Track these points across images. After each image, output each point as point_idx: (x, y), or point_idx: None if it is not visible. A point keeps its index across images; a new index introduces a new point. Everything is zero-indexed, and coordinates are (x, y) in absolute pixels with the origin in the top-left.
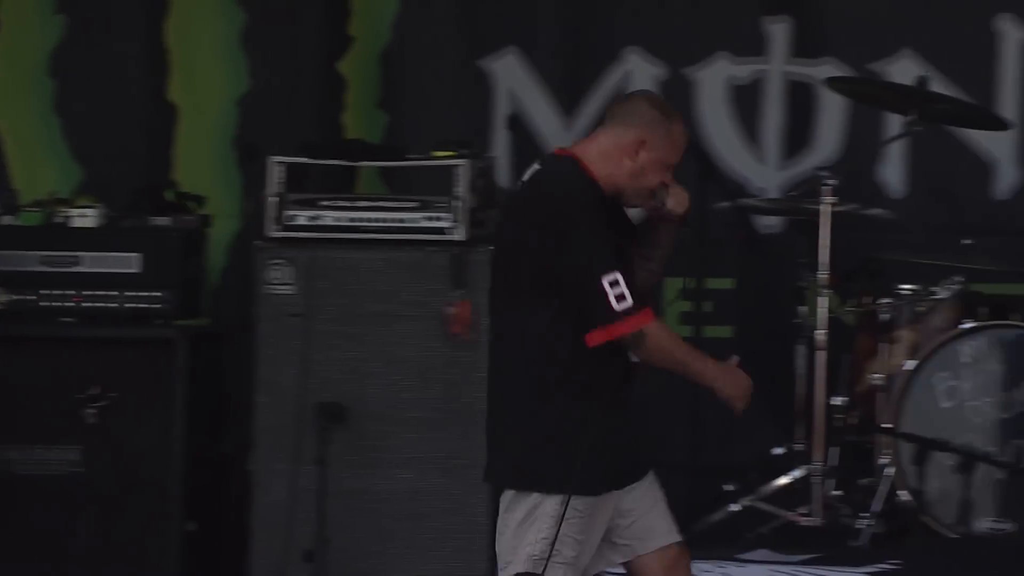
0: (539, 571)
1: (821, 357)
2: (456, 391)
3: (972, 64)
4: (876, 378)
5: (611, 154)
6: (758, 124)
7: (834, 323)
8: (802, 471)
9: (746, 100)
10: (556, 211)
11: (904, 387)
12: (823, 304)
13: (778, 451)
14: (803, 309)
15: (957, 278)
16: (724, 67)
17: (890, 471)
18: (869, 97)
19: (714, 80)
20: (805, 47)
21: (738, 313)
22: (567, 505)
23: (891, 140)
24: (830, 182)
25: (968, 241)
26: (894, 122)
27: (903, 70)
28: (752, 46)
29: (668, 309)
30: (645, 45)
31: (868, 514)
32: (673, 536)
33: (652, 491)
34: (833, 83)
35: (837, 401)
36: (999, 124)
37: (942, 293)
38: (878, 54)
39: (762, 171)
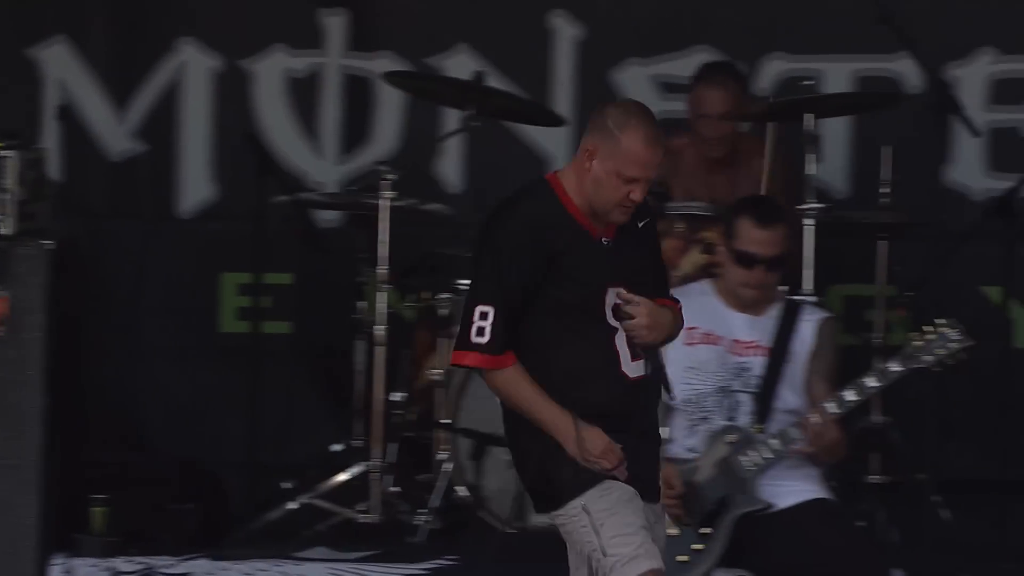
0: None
1: (380, 353)
2: (3, 390)
3: (527, 60)
4: (435, 374)
5: (576, 167)
6: (316, 118)
7: (393, 319)
8: (360, 468)
9: (304, 93)
10: (479, 234)
11: (462, 383)
12: (382, 300)
13: (336, 448)
14: (362, 305)
15: None
16: (281, 59)
17: (448, 467)
18: (426, 92)
19: (270, 72)
20: (362, 40)
21: (297, 308)
22: (587, 510)
23: (448, 135)
24: (389, 177)
25: None
26: (451, 117)
27: (459, 65)
28: (308, 39)
29: (224, 307)
30: (200, 36)
31: (426, 510)
32: None
33: (661, 531)
34: (390, 77)
35: (396, 397)
36: (554, 120)
37: None
38: (434, 49)
39: (320, 165)
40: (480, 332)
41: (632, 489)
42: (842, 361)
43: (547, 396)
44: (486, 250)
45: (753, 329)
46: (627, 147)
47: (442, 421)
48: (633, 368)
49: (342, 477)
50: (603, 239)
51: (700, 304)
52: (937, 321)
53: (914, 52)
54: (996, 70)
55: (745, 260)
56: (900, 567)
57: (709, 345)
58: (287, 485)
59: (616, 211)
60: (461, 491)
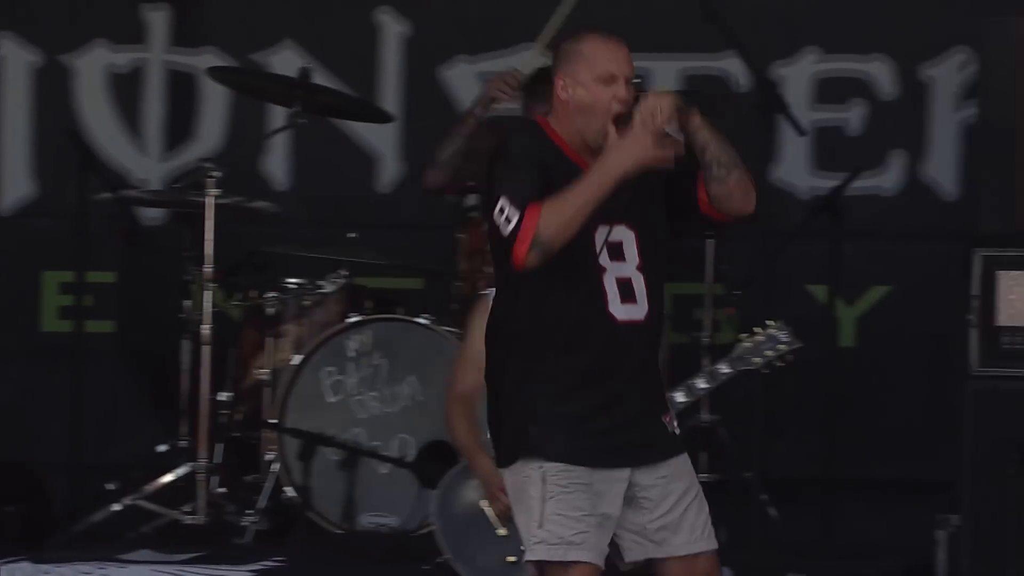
0: (541, 557)
1: (206, 352)
2: None
3: (354, 56)
4: (262, 373)
5: (557, 110)
6: (139, 114)
7: (219, 318)
8: (186, 468)
9: (126, 89)
10: (487, 169)
11: (290, 382)
12: (208, 298)
13: (162, 448)
14: (188, 303)
15: (342, 272)
16: (102, 55)
17: (276, 467)
18: (251, 88)
19: (92, 68)
20: (185, 36)
21: (120, 307)
22: (544, 478)
23: (274, 132)
24: (214, 174)
25: (352, 234)
26: (277, 114)
27: (285, 61)
28: (131, 33)
29: (45, 305)
30: (19, 30)
31: (253, 511)
32: (696, 545)
33: (679, 487)
34: (214, 73)
35: (222, 397)
36: (382, 117)
37: (328, 287)
38: (260, 44)
39: (144, 162)
40: (507, 221)
41: (605, 475)
42: (671, 360)
43: None
44: (493, 170)
45: None
46: (591, 50)
47: (269, 421)
48: (623, 311)
49: (167, 478)
50: None
51: None
52: (767, 323)
53: (740, 51)
54: (820, 69)
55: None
56: (728, 566)
57: None
58: (111, 486)
59: (614, 112)
60: (289, 492)
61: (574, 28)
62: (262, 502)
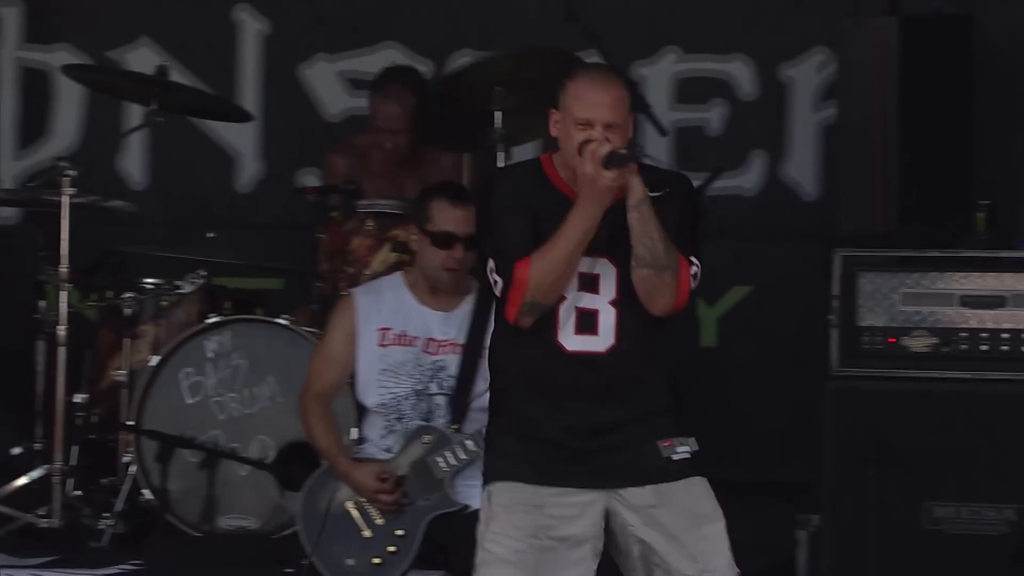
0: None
1: (62, 353)
2: None
3: (212, 54)
4: (119, 374)
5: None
6: None
7: (75, 318)
8: (41, 471)
9: None
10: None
11: (147, 383)
12: (63, 299)
13: (16, 451)
14: (43, 304)
15: (201, 272)
16: None
17: (133, 469)
18: (107, 85)
19: None
20: (39, 32)
21: None
22: (489, 498)
23: (131, 131)
24: (69, 173)
25: (211, 234)
26: (134, 112)
27: (142, 58)
28: None
29: None
30: None
31: (110, 514)
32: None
33: (669, 514)
34: (69, 71)
35: (78, 398)
36: (241, 116)
37: (186, 287)
38: (116, 41)
39: None
40: (496, 276)
41: (561, 496)
42: None
43: None
44: (478, 215)
45: (448, 326)
46: (573, 93)
47: (126, 423)
48: (576, 341)
49: (22, 481)
50: None
51: (393, 301)
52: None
53: (601, 50)
54: (681, 69)
55: (443, 240)
56: None
57: (404, 347)
58: None
59: (585, 160)
60: (146, 494)
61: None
62: (119, 505)
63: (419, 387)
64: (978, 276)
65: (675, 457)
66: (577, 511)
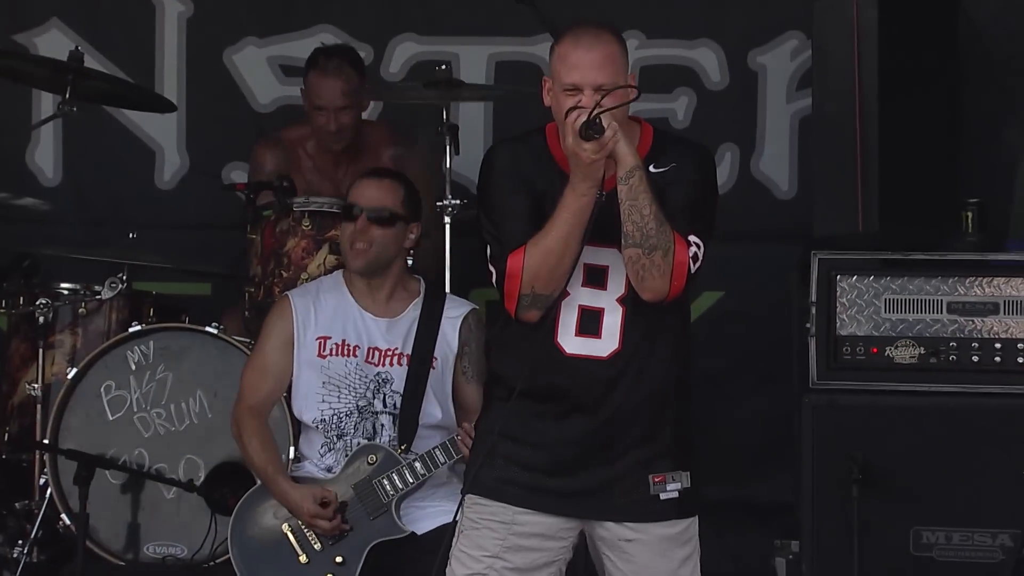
0: None
1: None
2: None
3: (130, 38)
4: (32, 388)
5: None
6: None
7: None
8: None
9: None
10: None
11: (64, 398)
12: None
13: None
14: None
15: (121, 276)
16: None
17: (50, 492)
18: (15, 72)
19: None
20: None
21: None
22: (463, 509)
23: (42, 122)
24: None
25: (132, 235)
26: (45, 101)
27: (53, 43)
28: None
29: None
30: None
31: (24, 541)
32: None
33: (646, 556)
34: None
35: None
36: (162, 105)
37: (105, 293)
38: (24, 24)
39: None
40: (491, 271)
41: (538, 521)
42: None
43: None
44: (479, 202)
45: (392, 334)
46: (559, 55)
47: (41, 441)
48: (576, 344)
49: None
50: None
51: (332, 307)
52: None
53: (554, 35)
54: (642, 56)
55: (347, 211)
56: None
57: (344, 357)
58: None
59: (566, 132)
60: (65, 520)
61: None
62: (35, 531)
63: (362, 403)
64: (967, 281)
65: (663, 496)
66: (547, 537)
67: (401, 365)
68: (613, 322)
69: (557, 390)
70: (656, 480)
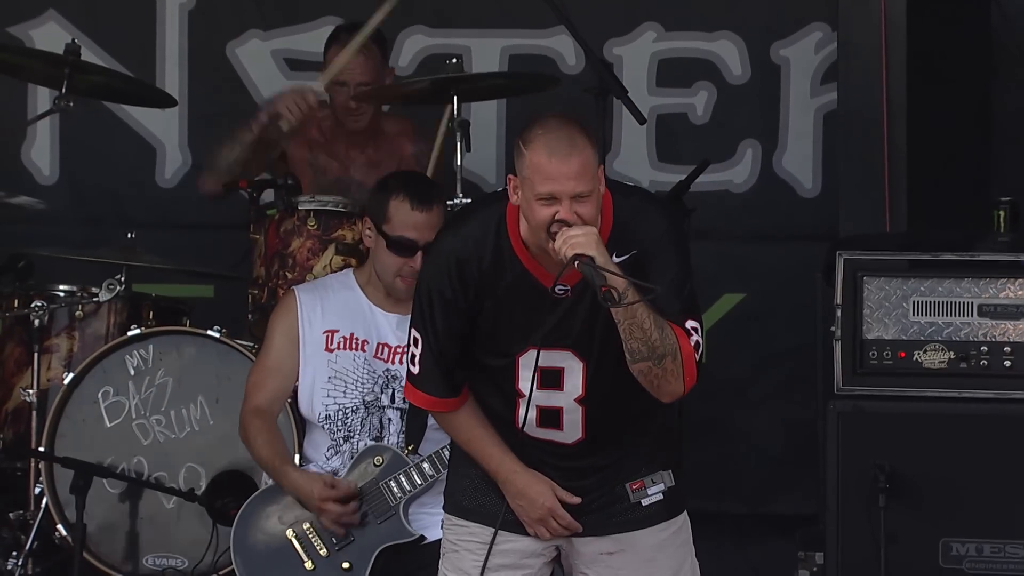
0: None
1: None
2: None
3: (130, 31)
4: (28, 394)
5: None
6: None
7: None
8: None
9: None
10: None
11: (61, 404)
12: None
13: None
14: None
15: (119, 277)
16: None
17: (46, 502)
18: (11, 66)
19: None
20: None
21: None
22: (444, 530)
23: (39, 117)
24: None
25: (131, 234)
26: (42, 96)
27: (49, 36)
28: None
29: None
30: None
31: (19, 553)
32: None
33: (631, 563)
34: None
35: None
36: (163, 100)
37: (103, 295)
38: (20, 16)
39: None
40: (412, 360)
41: (517, 542)
42: None
43: (494, 441)
44: (420, 277)
45: (403, 331)
46: (531, 162)
47: (37, 449)
48: (541, 432)
49: None
50: (557, 287)
51: (340, 301)
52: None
53: (571, 28)
54: (661, 49)
55: (401, 247)
56: None
57: (352, 351)
58: None
59: (547, 239)
60: (61, 530)
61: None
62: (30, 542)
63: (369, 398)
64: (999, 282)
65: (645, 502)
66: (526, 555)
67: None
68: (574, 419)
69: (528, 456)
70: (634, 487)
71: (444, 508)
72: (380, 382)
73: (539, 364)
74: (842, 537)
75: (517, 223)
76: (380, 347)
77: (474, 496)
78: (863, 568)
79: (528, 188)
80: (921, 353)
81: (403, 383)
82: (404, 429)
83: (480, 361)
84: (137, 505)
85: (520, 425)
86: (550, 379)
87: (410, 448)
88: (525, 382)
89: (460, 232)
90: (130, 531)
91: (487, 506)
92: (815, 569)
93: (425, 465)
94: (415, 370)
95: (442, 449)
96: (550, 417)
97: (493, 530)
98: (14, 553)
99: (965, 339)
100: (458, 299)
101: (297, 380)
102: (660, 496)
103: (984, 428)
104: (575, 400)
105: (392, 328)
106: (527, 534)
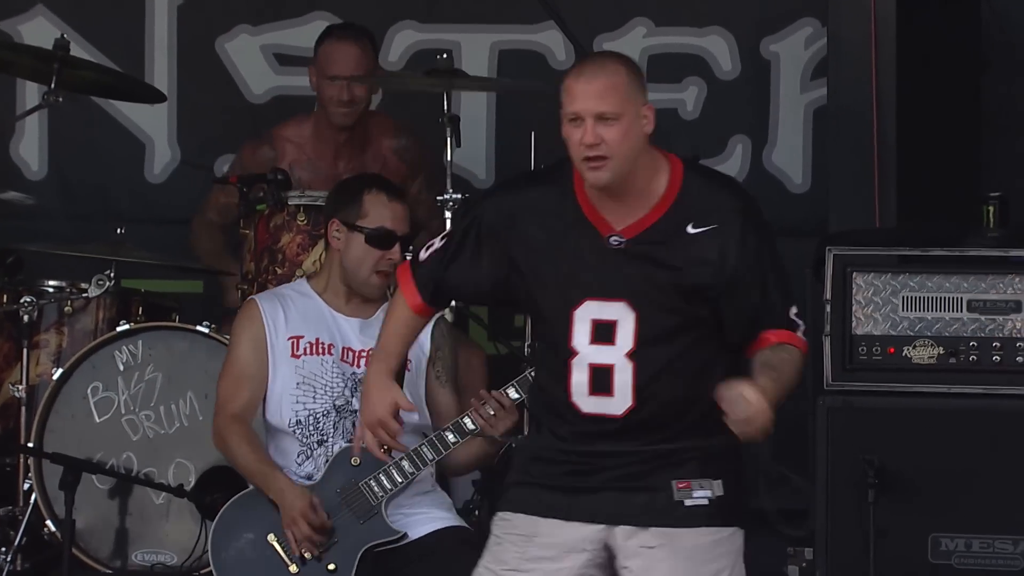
0: None
1: None
2: None
3: (118, 26)
4: (17, 389)
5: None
6: None
7: None
8: None
9: None
10: None
11: (49, 399)
12: None
13: None
14: None
15: (108, 273)
16: None
17: (34, 497)
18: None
19: None
20: None
21: None
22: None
23: (27, 113)
24: None
25: (120, 230)
26: (30, 91)
27: (38, 30)
28: None
29: None
30: None
31: (7, 549)
32: None
33: (668, 563)
34: None
35: None
36: (152, 95)
37: (92, 290)
38: (8, 11)
39: None
40: (426, 247)
41: (559, 529)
42: (491, 370)
43: None
44: (480, 202)
45: (366, 335)
46: (564, 87)
47: (26, 444)
48: (591, 403)
49: None
50: (612, 237)
51: (301, 307)
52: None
53: (560, 23)
54: (651, 44)
55: (381, 239)
56: None
57: (319, 356)
58: None
59: (584, 168)
60: (50, 526)
61: None
62: (19, 538)
63: (340, 401)
64: (988, 278)
65: (688, 503)
66: (570, 546)
67: None
68: (624, 379)
69: (580, 442)
70: (680, 487)
71: (497, 505)
72: (350, 385)
73: (592, 317)
74: (831, 532)
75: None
76: (345, 351)
77: (522, 490)
78: (852, 563)
79: (562, 114)
80: (911, 348)
81: None
82: None
83: (539, 316)
84: (126, 501)
85: (571, 398)
86: (603, 333)
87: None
88: (580, 336)
89: (531, 180)
90: (119, 527)
91: (531, 498)
92: (804, 564)
93: (404, 463)
94: (421, 255)
95: (420, 446)
96: (601, 379)
97: (536, 519)
98: (2, 549)
99: (955, 335)
100: (505, 234)
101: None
102: (705, 502)
103: (974, 423)
104: (626, 355)
105: (355, 332)
106: (568, 518)
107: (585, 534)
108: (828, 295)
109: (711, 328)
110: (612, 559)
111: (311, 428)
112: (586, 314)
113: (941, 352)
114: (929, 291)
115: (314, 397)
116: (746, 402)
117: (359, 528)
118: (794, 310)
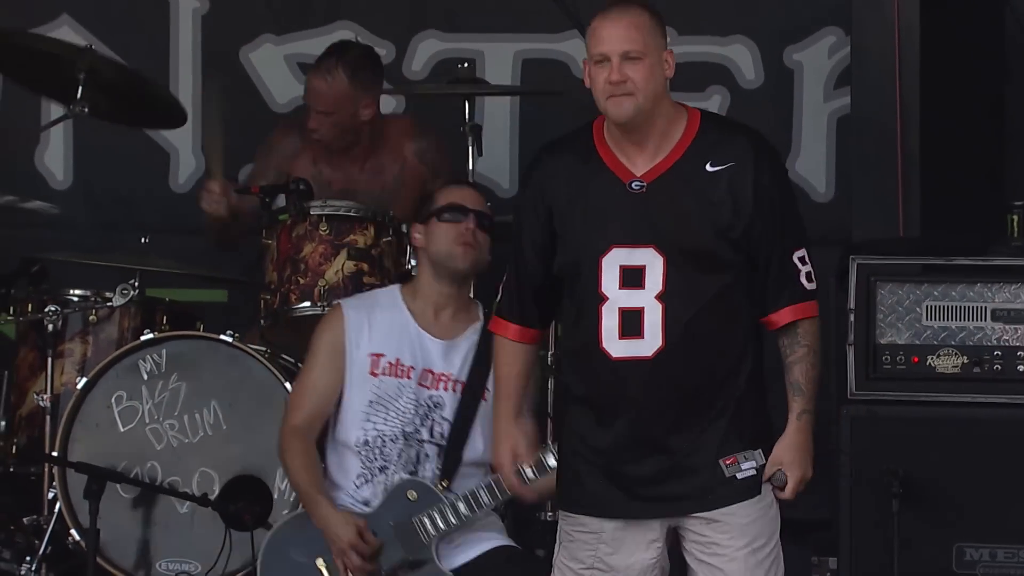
0: None
1: None
2: None
3: (143, 35)
4: (41, 398)
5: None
6: None
7: None
8: None
9: None
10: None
11: (74, 408)
12: None
13: None
14: None
15: (133, 282)
16: None
17: (59, 507)
18: (24, 75)
19: None
20: None
21: None
22: (560, 523)
23: (52, 123)
24: None
25: (145, 239)
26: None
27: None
28: None
29: None
30: None
31: (32, 558)
32: None
33: (725, 539)
34: None
35: None
36: (175, 119)
37: (117, 299)
38: (33, 20)
39: None
40: (503, 286)
41: (611, 523)
42: None
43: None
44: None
45: (449, 359)
46: (589, 31)
47: (50, 453)
48: (621, 347)
49: None
50: (633, 183)
51: (387, 323)
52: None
53: (583, 32)
54: (675, 52)
55: (452, 212)
56: None
57: (397, 378)
58: None
59: (609, 104)
60: (74, 535)
61: None
62: (43, 547)
63: (409, 428)
64: (1013, 287)
65: (740, 476)
66: (635, 544)
67: (454, 392)
68: (654, 320)
69: (611, 395)
70: (728, 463)
71: (558, 503)
72: (422, 412)
73: (620, 263)
74: (855, 542)
75: (603, 127)
76: (425, 373)
77: (580, 489)
78: (877, 573)
79: (589, 57)
80: (934, 358)
81: (443, 412)
82: (441, 464)
83: (565, 271)
84: (150, 510)
85: (601, 344)
86: (632, 278)
87: (444, 484)
88: (609, 283)
89: (551, 148)
90: (143, 536)
91: (589, 498)
92: (828, 574)
93: (460, 505)
94: (499, 298)
95: (478, 489)
96: (631, 322)
97: (601, 519)
98: (28, 558)
99: (978, 343)
100: (538, 207)
101: (338, 401)
102: (753, 472)
103: (997, 433)
104: (655, 297)
105: (439, 354)
106: (628, 516)
107: (648, 529)
108: (852, 304)
109: (737, 272)
110: (680, 539)
111: (376, 451)
112: (614, 261)
113: (965, 361)
114: (953, 300)
115: (385, 419)
116: (790, 493)
117: (409, 564)
118: (799, 253)
